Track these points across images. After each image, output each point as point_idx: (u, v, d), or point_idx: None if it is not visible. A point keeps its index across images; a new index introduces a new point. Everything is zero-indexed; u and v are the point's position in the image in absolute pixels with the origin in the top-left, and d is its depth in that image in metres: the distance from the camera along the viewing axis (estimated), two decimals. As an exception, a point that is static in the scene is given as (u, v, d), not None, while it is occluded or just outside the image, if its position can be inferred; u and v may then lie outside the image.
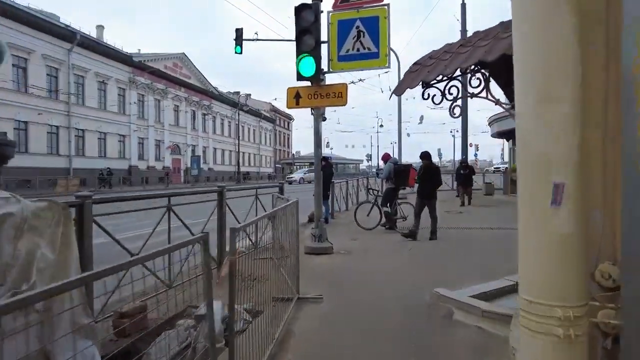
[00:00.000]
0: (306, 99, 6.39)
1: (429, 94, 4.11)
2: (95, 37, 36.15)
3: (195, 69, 49.37)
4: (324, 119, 6.94)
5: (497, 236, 8.52)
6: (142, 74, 39.20)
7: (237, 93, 72.81)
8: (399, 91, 4.51)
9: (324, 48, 6.39)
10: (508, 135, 19.56)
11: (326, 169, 10.73)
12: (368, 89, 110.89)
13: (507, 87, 4.24)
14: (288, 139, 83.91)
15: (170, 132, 44.74)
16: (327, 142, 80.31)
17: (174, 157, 45.66)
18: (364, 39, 6.33)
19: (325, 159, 11.12)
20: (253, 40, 17.03)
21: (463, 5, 21.44)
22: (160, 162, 42.92)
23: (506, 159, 23.86)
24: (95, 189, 27.08)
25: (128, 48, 39.08)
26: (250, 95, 71.77)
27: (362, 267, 5.99)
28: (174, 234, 4.64)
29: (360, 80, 21.93)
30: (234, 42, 16.13)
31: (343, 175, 48.62)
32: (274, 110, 75.05)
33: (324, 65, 6.37)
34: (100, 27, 38.88)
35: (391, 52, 19.76)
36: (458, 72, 3.84)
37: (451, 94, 3.99)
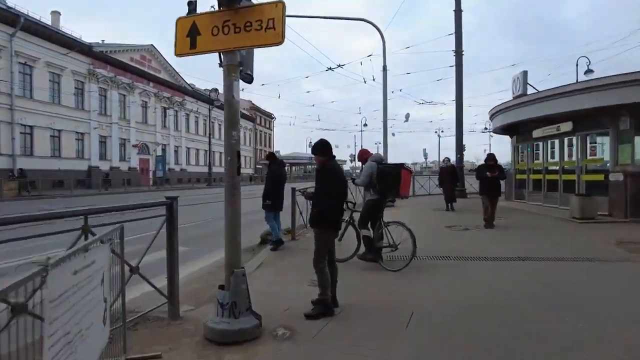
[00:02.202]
0: (209, 35, 3.33)
1: None
2: (50, 24, 32.49)
3: (166, 63, 45.87)
4: (247, 78, 3.82)
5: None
6: (103, 66, 35.62)
7: (215, 90, 69.88)
8: None
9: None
10: (514, 129, 16.68)
11: (275, 170, 7.72)
12: (349, 79, 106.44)
13: None
14: (269, 138, 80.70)
15: (137, 130, 41.16)
16: (310, 142, 77.54)
17: (142, 157, 42.08)
18: None
19: (273, 155, 8.08)
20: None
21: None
22: (125, 163, 39.30)
23: (507, 159, 21.05)
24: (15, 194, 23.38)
25: (92, 39, 35.49)
26: (229, 92, 68.69)
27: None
28: None
29: (340, 66, 18.92)
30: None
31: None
32: (255, 108, 71.94)
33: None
34: (55, 13, 35.22)
35: (373, 26, 16.79)
36: None
37: None
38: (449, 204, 13.94)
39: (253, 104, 71.43)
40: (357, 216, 6.65)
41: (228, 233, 3.55)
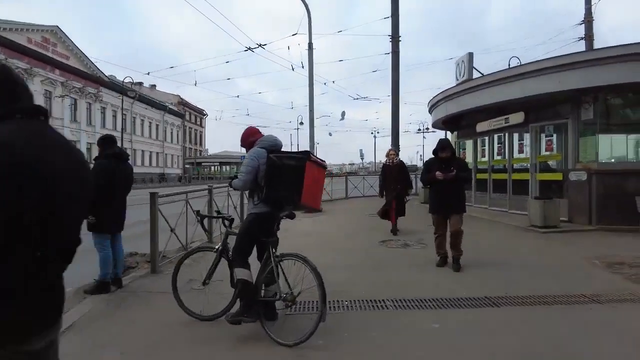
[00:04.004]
0: None
1: None
2: None
3: (76, 49, 40.50)
4: None
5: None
6: (-9, 45, 30.22)
7: (140, 84, 64.56)
8: None
9: None
10: (456, 123, 14.78)
11: (104, 166, 4.74)
12: (277, 65, 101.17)
13: None
14: (200, 136, 75.93)
15: (37, 124, 35.65)
16: (245, 141, 73.93)
17: (44, 155, 36.58)
18: None
19: (106, 141, 5.06)
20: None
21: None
22: (22, 161, 33.78)
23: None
24: None
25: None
26: (155, 86, 63.52)
27: None
28: None
29: (260, 45, 16.08)
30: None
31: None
32: (183, 103, 67.11)
33: None
34: None
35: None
36: None
37: None
38: (395, 224, 8.63)
39: (182, 98, 66.64)
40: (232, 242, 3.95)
41: None
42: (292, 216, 3.64)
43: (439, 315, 4.01)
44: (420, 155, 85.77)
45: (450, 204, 5.69)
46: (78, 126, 41.17)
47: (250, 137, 4.01)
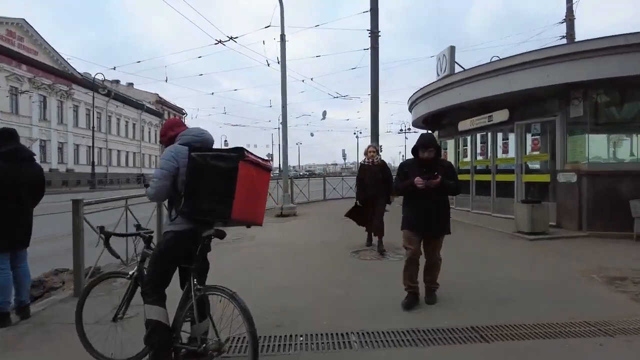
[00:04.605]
0: None
1: None
2: None
3: (45, 44, 38.75)
4: None
5: None
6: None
7: (117, 82, 62.96)
8: None
9: None
10: (437, 121, 14.08)
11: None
12: (252, 60, 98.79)
13: None
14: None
15: (2, 122, 33.87)
16: (225, 141, 72.63)
17: (10, 155, 34.79)
18: None
19: (3, 135, 4.03)
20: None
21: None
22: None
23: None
24: None
25: None
26: (132, 84, 61.78)
27: None
28: None
29: (232, 38, 15.08)
30: None
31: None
32: (162, 102, 65.43)
33: None
34: None
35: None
36: None
37: None
38: (372, 236, 7.32)
39: (160, 97, 65.01)
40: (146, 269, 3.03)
41: None
42: (221, 235, 2.76)
43: (415, 357, 3.17)
44: (403, 156, 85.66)
45: (432, 223, 4.17)
46: (48, 125, 39.39)
47: (170, 130, 3.11)
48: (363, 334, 3.58)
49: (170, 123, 3.20)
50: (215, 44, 15.86)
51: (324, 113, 39.63)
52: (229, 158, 2.71)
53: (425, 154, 4.20)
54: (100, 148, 47.40)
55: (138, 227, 3.43)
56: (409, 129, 56.51)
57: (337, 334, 3.59)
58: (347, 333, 3.60)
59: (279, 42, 12.71)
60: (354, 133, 76.10)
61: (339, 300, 4.51)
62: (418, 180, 4.03)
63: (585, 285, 5.06)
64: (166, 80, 33.91)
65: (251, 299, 4.61)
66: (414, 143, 4.36)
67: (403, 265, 4.34)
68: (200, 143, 2.99)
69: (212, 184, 2.69)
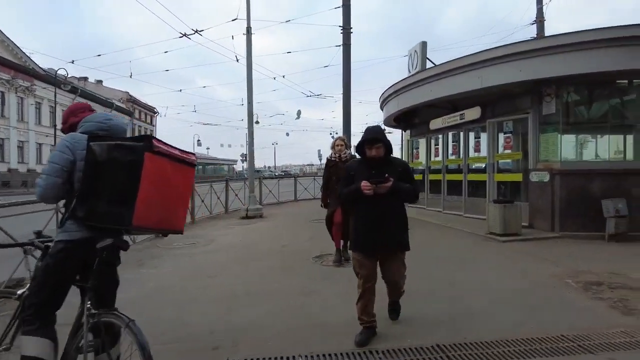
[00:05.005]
0: None
1: None
2: None
3: (3, 36, 36.86)
4: None
5: None
6: None
7: (85, 79, 60.96)
8: None
9: None
10: (409, 120, 13.76)
11: None
12: (221, 56, 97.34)
13: None
14: (151, 134, 72.23)
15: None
16: (199, 140, 71.25)
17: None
18: None
19: None
20: None
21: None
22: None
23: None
24: None
25: None
26: (101, 82, 59.74)
27: None
28: None
29: (196, 31, 14.35)
30: None
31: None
32: (132, 100, 63.53)
33: None
34: None
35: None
36: None
37: None
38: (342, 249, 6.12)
39: (131, 95, 63.14)
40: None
41: None
42: (124, 246, 2.20)
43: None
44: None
45: (385, 238, 3.35)
46: (7, 122, 37.52)
47: (72, 116, 2.54)
48: (313, 357, 3.07)
49: (72, 108, 2.63)
50: (180, 37, 15.14)
51: (299, 112, 38.92)
52: (132, 148, 2.16)
53: (373, 152, 3.37)
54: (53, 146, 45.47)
55: (39, 234, 2.81)
56: (384, 129, 56.51)
57: (283, 357, 3.07)
58: (295, 356, 3.09)
59: (247, 36, 12.10)
60: (330, 133, 75.83)
61: (292, 314, 3.99)
62: (365, 184, 3.22)
63: (561, 291, 4.69)
64: (130, 76, 32.56)
65: (195, 313, 4.08)
66: (362, 136, 3.47)
67: (358, 294, 3.43)
68: (107, 131, 2.43)
69: (111, 182, 2.14)
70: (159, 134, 77.86)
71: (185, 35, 14.89)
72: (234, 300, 4.46)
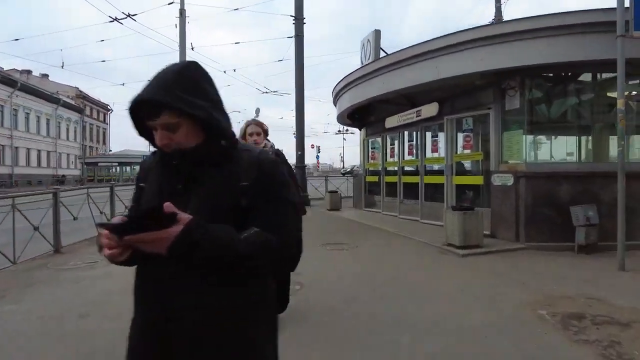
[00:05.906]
0: None
1: None
2: None
3: None
4: None
5: None
6: None
7: (28, 72, 57.12)
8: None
9: None
10: (364, 118, 12.71)
11: None
12: (164, 46, 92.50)
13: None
14: (104, 133, 68.61)
15: None
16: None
17: None
18: None
19: None
20: None
21: None
22: None
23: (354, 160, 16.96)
24: None
25: None
26: (47, 76, 56.02)
27: None
28: None
29: (129, 16, 12.69)
30: None
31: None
32: (83, 97, 59.90)
33: None
34: None
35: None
36: None
37: None
38: None
39: (80, 91, 59.49)
40: None
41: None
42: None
43: None
44: (342, 157, 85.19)
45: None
46: None
47: None
48: None
49: None
50: (111, 21, 13.47)
51: (257, 110, 37.06)
52: None
53: (159, 137, 1.20)
54: (3, 145, 42.07)
55: None
56: (347, 130, 55.57)
57: None
58: None
59: (178, 18, 10.66)
60: (293, 133, 74.48)
61: None
62: (106, 234, 1.07)
63: (535, 330, 3.62)
64: (62, 67, 30.39)
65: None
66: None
67: None
68: None
69: None
70: (112, 132, 73.93)
71: (116, 19, 13.24)
72: (89, 358, 3.13)
